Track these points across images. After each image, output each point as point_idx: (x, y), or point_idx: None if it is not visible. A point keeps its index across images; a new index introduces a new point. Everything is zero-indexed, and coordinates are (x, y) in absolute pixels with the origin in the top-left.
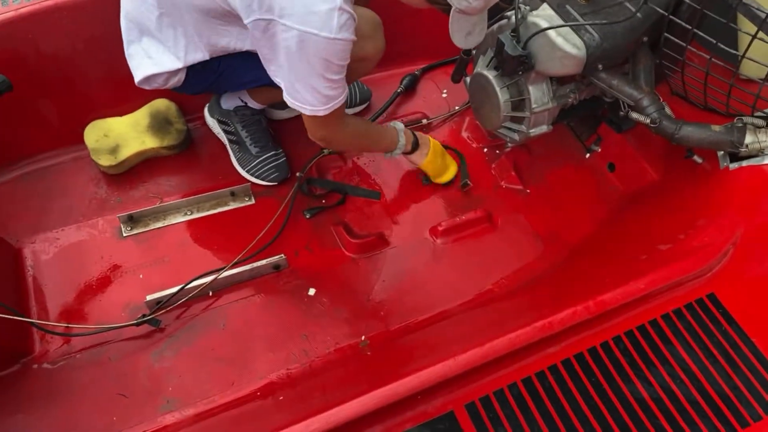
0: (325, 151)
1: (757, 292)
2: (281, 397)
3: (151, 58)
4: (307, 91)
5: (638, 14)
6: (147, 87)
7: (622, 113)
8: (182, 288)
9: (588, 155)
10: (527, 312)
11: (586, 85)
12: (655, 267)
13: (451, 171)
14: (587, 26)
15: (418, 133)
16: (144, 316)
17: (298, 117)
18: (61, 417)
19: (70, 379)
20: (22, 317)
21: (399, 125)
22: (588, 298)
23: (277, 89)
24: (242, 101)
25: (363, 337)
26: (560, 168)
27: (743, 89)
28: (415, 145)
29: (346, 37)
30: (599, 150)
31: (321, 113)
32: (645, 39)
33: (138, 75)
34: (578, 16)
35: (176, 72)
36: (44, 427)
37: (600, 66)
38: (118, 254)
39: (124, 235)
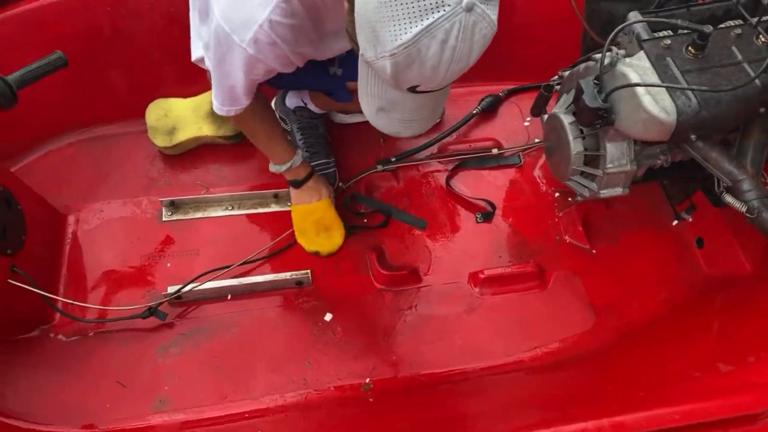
0: (378, 167)
1: None
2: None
3: (202, 38)
4: (215, 79)
5: (757, 81)
6: (203, 67)
7: (718, 191)
8: (188, 286)
9: (676, 222)
10: (543, 408)
11: (681, 149)
12: (700, 396)
13: (314, 245)
14: (685, 89)
15: (319, 187)
16: (150, 309)
17: (361, 124)
18: (61, 390)
19: (78, 355)
20: (38, 289)
21: (297, 159)
22: (605, 415)
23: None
24: (303, 102)
25: (368, 380)
26: (638, 231)
27: None
28: (295, 185)
29: (257, 56)
30: (690, 219)
31: (218, 106)
32: (762, 110)
33: (192, 54)
34: (678, 74)
35: None
36: (43, 394)
37: (694, 136)
38: (154, 238)
39: (164, 219)
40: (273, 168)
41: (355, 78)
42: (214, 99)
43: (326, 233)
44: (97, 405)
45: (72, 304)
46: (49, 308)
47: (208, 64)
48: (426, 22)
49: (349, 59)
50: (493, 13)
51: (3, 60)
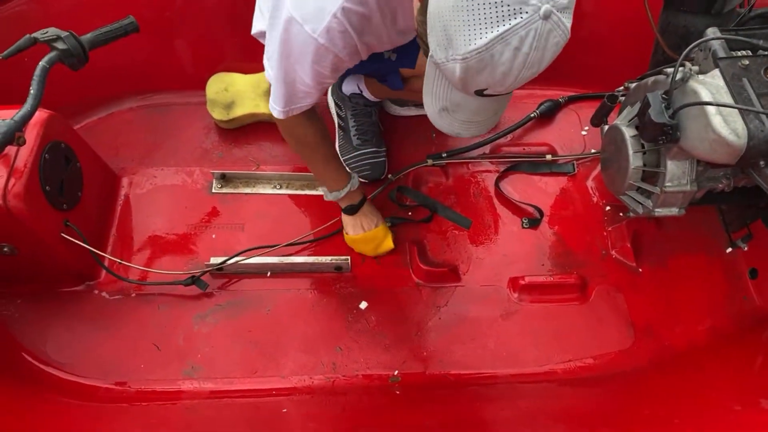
0: (429, 161)
1: None
2: (284, 410)
3: (262, 13)
4: (278, 76)
5: None
6: (262, 42)
7: None
8: (232, 259)
9: (730, 250)
10: (571, 423)
11: (746, 173)
12: (740, 429)
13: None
14: (759, 113)
15: (373, 211)
16: (193, 277)
17: (414, 117)
18: (99, 345)
19: (119, 314)
20: (88, 245)
21: (354, 182)
22: None
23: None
24: (359, 89)
25: (396, 372)
26: (689, 254)
27: None
28: (350, 210)
29: (328, 45)
30: (745, 248)
31: (277, 109)
32: None
33: (253, 27)
34: (754, 96)
35: None
36: (82, 347)
37: (763, 162)
38: (202, 208)
39: (213, 191)
40: (330, 196)
41: (408, 65)
42: (273, 103)
43: (381, 247)
44: (132, 364)
45: (119, 263)
46: (96, 265)
47: (269, 61)
48: (502, 29)
49: (405, 45)
50: (568, 22)
51: (77, 19)
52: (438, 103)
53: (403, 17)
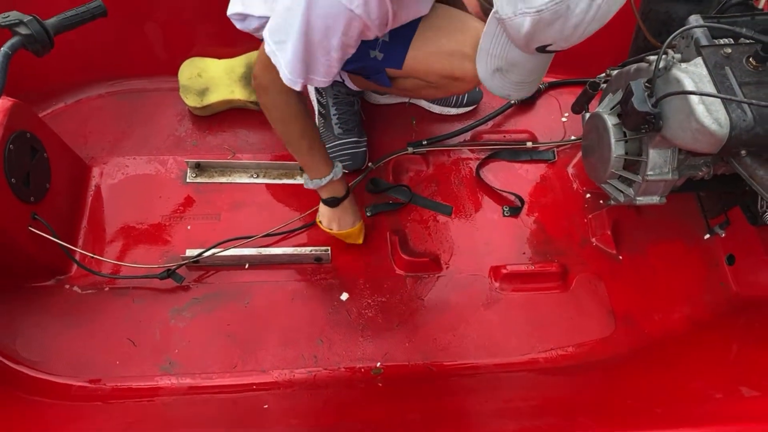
0: (410, 149)
1: None
2: (266, 406)
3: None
4: (297, 49)
5: None
6: (240, 27)
7: (760, 210)
8: (209, 251)
9: (707, 236)
10: (554, 412)
11: (727, 162)
12: (722, 418)
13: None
14: (742, 102)
15: (355, 207)
16: (168, 270)
17: (394, 105)
18: (72, 342)
19: (92, 309)
20: (58, 239)
21: (338, 171)
22: (620, 428)
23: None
24: (341, 78)
25: (378, 364)
26: (668, 241)
27: None
28: (332, 203)
29: (363, 16)
30: (723, 235)
31: (291, 79)
32: None
33: (230, 8)
34: (736, 85)
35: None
36: (53, 344)
37: (744, 151)
38: (176, 198)
39: (188, 180)
40: (311, 184)
41: (394, 65)
42: (288, 73)
43: (348, 240)
44: (106, 360)
45: (90, 257)
46: (66, 259)
47: (277, 34)
48: None
49: (390, 44)
50: None
51: (40, 2)
52: (493, 63)
53: None
